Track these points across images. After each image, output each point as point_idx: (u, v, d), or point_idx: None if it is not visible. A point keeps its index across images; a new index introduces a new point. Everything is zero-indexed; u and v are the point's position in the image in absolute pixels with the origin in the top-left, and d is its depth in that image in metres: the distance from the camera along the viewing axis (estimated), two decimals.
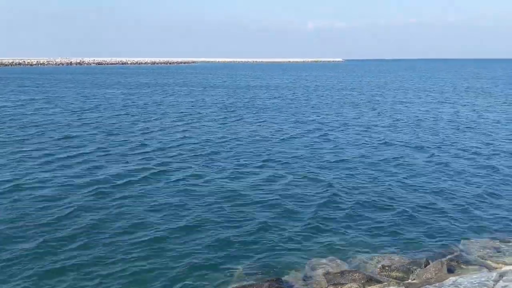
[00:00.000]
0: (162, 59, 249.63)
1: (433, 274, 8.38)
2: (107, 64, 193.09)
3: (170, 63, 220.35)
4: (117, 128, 25.65)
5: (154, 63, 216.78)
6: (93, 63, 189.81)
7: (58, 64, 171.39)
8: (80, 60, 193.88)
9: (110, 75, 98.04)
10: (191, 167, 16.63)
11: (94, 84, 66.37)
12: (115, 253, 9.58)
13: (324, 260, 9.36)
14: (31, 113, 31.53)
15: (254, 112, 33.80)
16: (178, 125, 26.81)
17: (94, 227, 10.99)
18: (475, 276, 7.84)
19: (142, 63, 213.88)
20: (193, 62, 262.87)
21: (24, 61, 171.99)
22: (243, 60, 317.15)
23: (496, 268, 8.70)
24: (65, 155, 18.43)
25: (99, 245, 10.01)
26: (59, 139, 21.82)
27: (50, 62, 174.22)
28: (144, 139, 22.15)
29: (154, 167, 16.61)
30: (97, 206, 12.46)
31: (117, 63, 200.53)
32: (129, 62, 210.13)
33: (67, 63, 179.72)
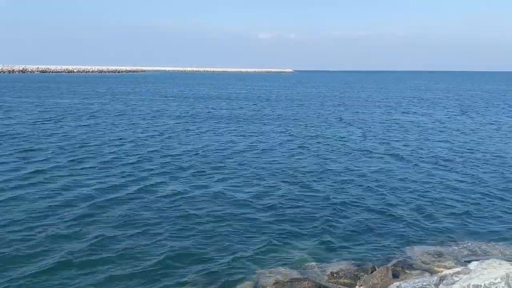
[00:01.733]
0: (110, 67, 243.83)
1: (379, 279, 8.62)
2: (52, 72, 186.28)
3: (119, 72, 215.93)
4: (82, 140, 23.72)
5: (101, 71, 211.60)
6: (37, 71, 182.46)
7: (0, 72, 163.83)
8: (23, 68, 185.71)
9: (59, 83, 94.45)
10: (167, 182, 15.84)
11: (47, 93, 63.35)
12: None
13: (273, 269, 9.41)
14: None
15: (222, 122, 33.53)
16: (147, 137, 25.53)
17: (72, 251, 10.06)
18: (417, 280, 8.16)
19: (89, 71, 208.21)
20: (143, 71, 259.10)
21: None
22: (194, 69, 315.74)
23: (438, 272, 9.07)
24: (29, 169, 16.85)
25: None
26: (18, 152, 19.92)
27: None
28: (111, 151, 20.82)
29: (129, 182, 15.67)
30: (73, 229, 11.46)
31: (62, 71, 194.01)
32: (75, 70, 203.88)
33: (9, 70, 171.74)
